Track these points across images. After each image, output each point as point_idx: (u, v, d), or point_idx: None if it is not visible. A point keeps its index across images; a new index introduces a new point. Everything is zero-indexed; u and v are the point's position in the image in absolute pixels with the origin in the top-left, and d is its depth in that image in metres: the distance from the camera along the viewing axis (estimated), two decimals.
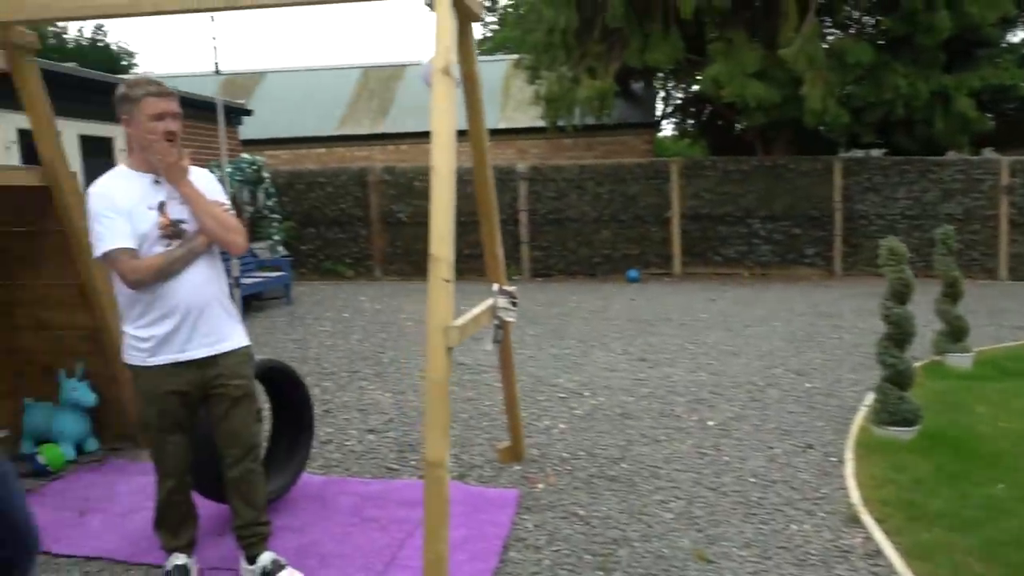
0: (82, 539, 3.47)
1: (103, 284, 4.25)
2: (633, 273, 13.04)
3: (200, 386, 2.95)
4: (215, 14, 3.19)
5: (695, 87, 14.94)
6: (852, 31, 12.04)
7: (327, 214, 13.78)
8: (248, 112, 11.70)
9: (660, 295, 11.36)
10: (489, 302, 3.44)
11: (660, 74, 14.86)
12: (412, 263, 13.90)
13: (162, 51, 53.58)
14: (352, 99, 17.78)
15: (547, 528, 3.62)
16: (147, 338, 2.89)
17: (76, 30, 28.03)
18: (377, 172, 13.84)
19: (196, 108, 10.05)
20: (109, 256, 2.81)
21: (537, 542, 3.48)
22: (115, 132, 8.42)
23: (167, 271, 2.84)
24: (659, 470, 4.34)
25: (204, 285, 2.95)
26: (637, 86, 15.66)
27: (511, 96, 16.93)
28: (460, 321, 2.93)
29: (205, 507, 3.38)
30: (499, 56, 19.75)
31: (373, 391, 6.11)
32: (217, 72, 3.97)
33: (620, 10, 11.29)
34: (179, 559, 3.07)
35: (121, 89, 2.88)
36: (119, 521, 3.65)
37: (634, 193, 13.18)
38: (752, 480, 4.18)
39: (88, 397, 4.43)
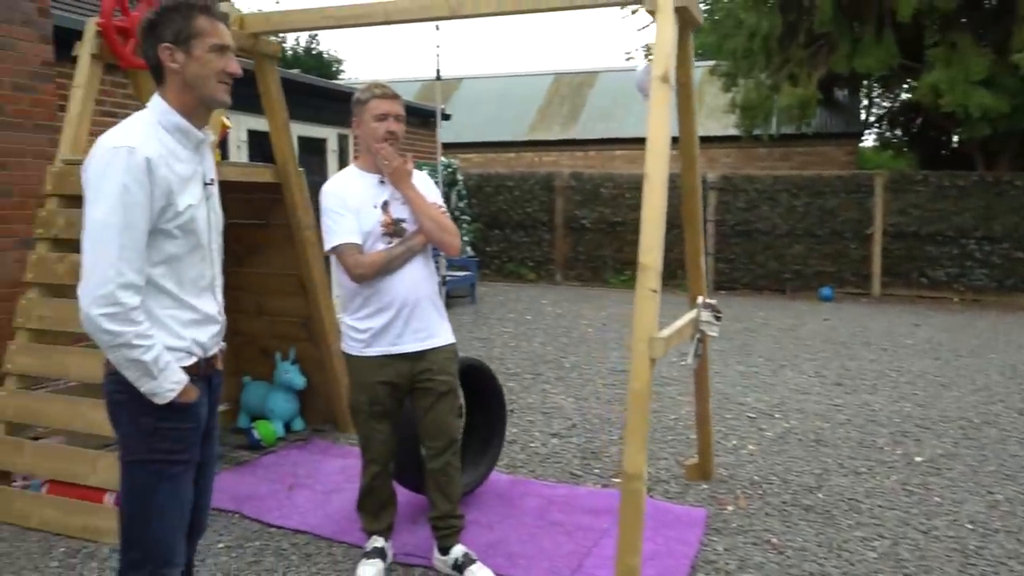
0: (291, 513, 3.73)
1: (319, 275, 4.56)
2: (827, 291, 12.33)
3: (409, 378, 3.08)
4: (441, 23, 3.31)
5: (905, 95, 13.92)
6: None
7: (513, 217, 14.08)
8: (447, 117, 12.20)
9: (857, 316, 10.65)
10: (691, 315, 3.34)
11: (866, 81, 13.94)
12: (592, 269, 13.92)
13: (367, 58, 57.08)
14: (543, 105, 18.09)
15: (738, 553, 3.47)
16: (364, 329, 3.05)
17: (294, 39, 30.48)
18: (564, 177, 13.97)
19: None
20: (337, 250, 3.00)
21: (727, 567, 3.35)
22: (327, 134, 9.05)
23: (387, 267, 2.99)
24: (860, 504, 4.05)
25: (419, 282, 3.08)
26: (841, 94, 14.80)
27: (703, 103, 16.52)
28: (666, 332, 2.86)
29: (402, 495, 3.53)
30: (697, 63, 19.29)
31: (556, 395, 6.15)
32: (438, 78, 4.13)
33: (829, 13, 10.70)
34: (378, 542, 3.22)
35: (355, 94, 3.08)
36: (323, 499, 3.89)
37: (832, 207, 12.46)
38: (969, 526, 3.80)
39: (299, 380, 4.77)
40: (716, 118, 15.89)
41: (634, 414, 2.74)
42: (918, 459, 4.77)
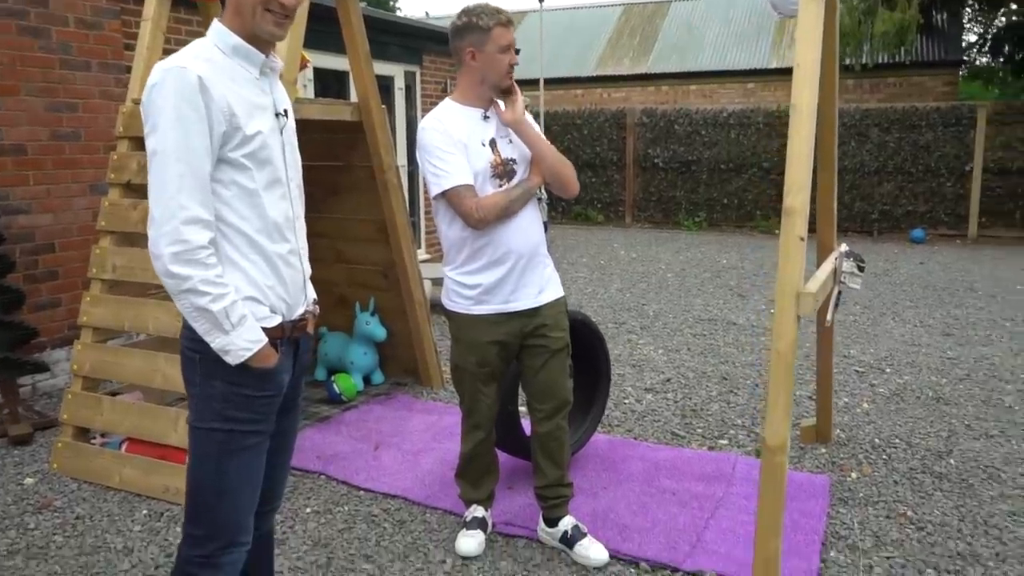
0: (379, 475, 3.53)
1: (401, 220, 4.29)
2: (918, 233, 11.64)
3: (520, 337, 2.81)
4: None
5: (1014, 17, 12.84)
6: None
7: (581, 157, 13.60)
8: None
9: (954, 260, 10.01)
10: (830, 264, 2.96)
11: (971, 3, 12.90)
12: (664, 211, 13.43)
13: None
14: (612, 37, 17.33)
15: (871, 528, 3.15)
16: (473, 286, 2.77)
17: None
18: (635, 114, 13.40)
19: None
20: (450, 193, 2.66)
21: (862, 543, 3.03)
22: (394, 71, 8.71)
23: (508, 210, 2.69)
24: (999, 472, 3.67)
25: (531, 230, 2.79)
26: (938, 17, 13.75)
27: (786, 32, 15.60)
28: (812, 286, 2.50)
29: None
30: None
31: (643, 346, 5.83)
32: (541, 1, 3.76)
33: None
34: (478, 511, 3.00)
35: (463, 19, 2.71)
36: (411, 460, 3.68)
37: (927, 142, 11.67)
38: None
39: (380, 331, 4.55)
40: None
41: (778, 378, 2.41)
42: None
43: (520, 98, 2.79)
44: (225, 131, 1.75)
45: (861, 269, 2.94)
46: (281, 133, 1.92)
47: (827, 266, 2.94)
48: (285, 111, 1.97)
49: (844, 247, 3.05)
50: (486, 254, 2.73)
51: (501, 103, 2.79)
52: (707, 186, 13.07)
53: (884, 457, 3.83)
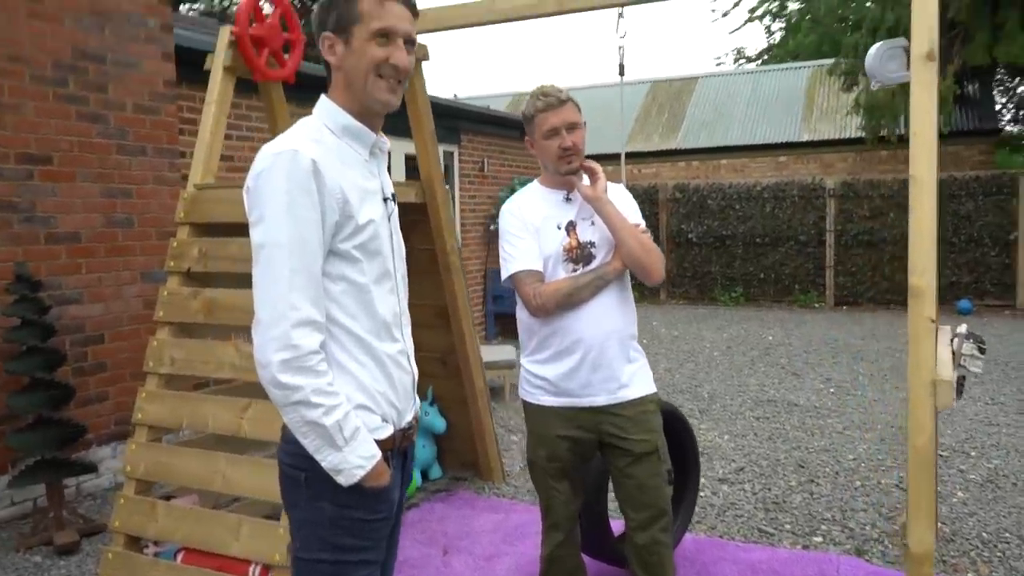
0: None
1: (462, 304, 4.12)
2: (965, 304, 11.35)
3: (596, 434, 2.60)
4: (624, 9, 2.84)
5: None
6: None
7: None
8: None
9: (1009, 331, 9.69)
10: (948, 346, 2.73)
11: (1001, 73, 12.90)
12: (699, 286, 13.25)
13: (452, 72, 57.59)
14: (641, 114, 17.47)
15: None
16: (541, 376, 2.60)
17: None
18: (668, 189, 13.36)
19: (505, 127, 10.22)
20: (515, 278, 2.58)
21: None
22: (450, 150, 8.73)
23: (573, 298, 2.52)
24: None
25: (608, 319, 2.58)
26: (971, 88, 13.75)
27: (815, 106, 15.66)
28: (944, 372, 2.28)
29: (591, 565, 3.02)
30: (800, 63, 18.39)
31: (706, 431, 5.55)
32: (621, 74, 3.64)
33: (967, 0, 9.85)
34: None
35: (523, 108, 2.65)
36: (484, 566, 3.41)
37: (968, 211, 11.50)
38: None
39: (439, 423, 4.33)
40: (829, 120, 15.02)
41: (918, 478, 2.18)
42: None
43: (602, 176, 2.65)
44: (338, 220, 1.59)
45: (983, 351, 2.72)
46: (388, 220, 1.76)
47: (946, 349, 2.71)
48: (393, 195, 1.82)
49: (964, 327, 2.83)
50: (554, 343, 2.57)
51: (585, 178, 2.65)
52: (743, 260, 12.90)
53: (999, 555, 3.51)
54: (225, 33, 3.69)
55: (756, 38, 57.23)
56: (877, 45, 2.79)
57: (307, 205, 1.54)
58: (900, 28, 11.05)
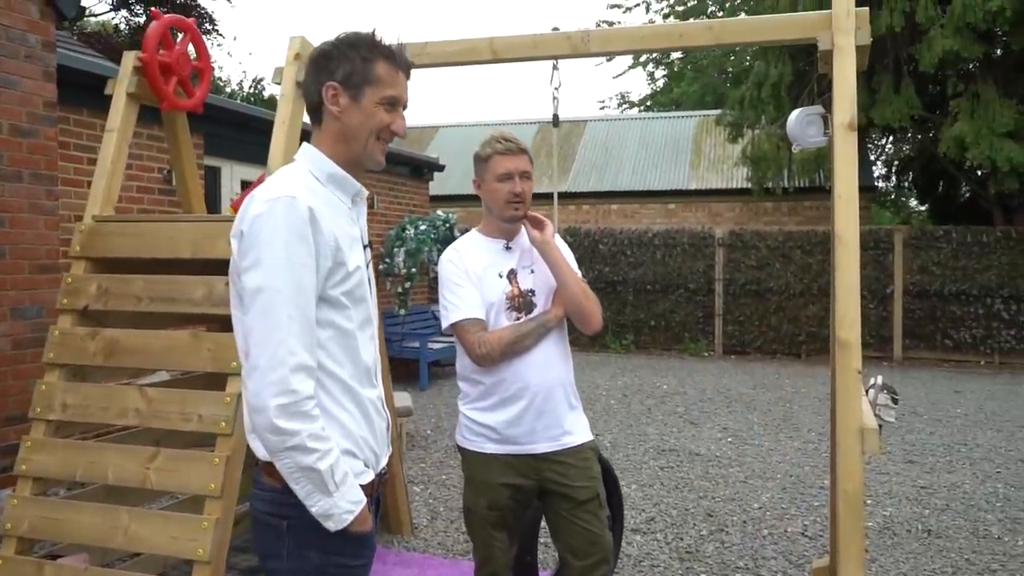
0: None
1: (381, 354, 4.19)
2: None
3: (538, 481, 2.75)
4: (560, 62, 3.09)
5: (907, 147, 14.16)
6: None
7: None
8: (440, 167, 11.97)
9: (888, 383, 10.54)
10: (864, 398, 3.06)
11: (876, 132, 14.20)
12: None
13: None
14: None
15: None
16: (484, 424, 2.74)
17: (237, 82, 30.29)
18: (558, 232, 13.80)
19: (396, 163, 10.36)
20: (458, 326, 2.71)
21: None
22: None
23: (516, 346, 2.68)
24: None
25: (552, 367, 2.76)
26: None
27: (703, 155, 16.65)
28: (874, 423, 2.58)
29: None
30: (687, 112, 19.53)
31: None
32: (556, 124, 3.81)
33: None
34: None
35: (477, 149, 2.82)
36: None
37: None
38: None
39: None
40: (716, 170, 16.00)
41: (848, 525, 2.44)
42: None
43: (550, 225, 2.84)
44: (330, 267, 1.70)
45: (895, 402, 3.06)
46: (367, 267, 1.88)
47: (864, 399, 3.03)
48: (370, 243, 1.94)
49: (880, 379, 3.17)
50: (499, 391, 2.71)
51: (532, 227, 2.82)
52: (634, 307, 13.45)
53: None
54: (130, 59, 3.69)
55: (639, 84, 60.01)
56: (796, 112, 3.15)
57: (304, 252, 1.64)
58: (783, 83, 12.04)
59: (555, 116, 3.27)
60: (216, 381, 3.31)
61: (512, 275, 2.78)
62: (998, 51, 11.32)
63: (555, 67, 3.21)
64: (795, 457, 6.55)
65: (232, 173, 7.87)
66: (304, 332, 1.63)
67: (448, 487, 5.61)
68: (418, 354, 9.63)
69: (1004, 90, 10.79)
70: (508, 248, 2.82)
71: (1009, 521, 5.04)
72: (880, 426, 3.10)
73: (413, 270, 9.91)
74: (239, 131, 7.52)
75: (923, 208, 18.51)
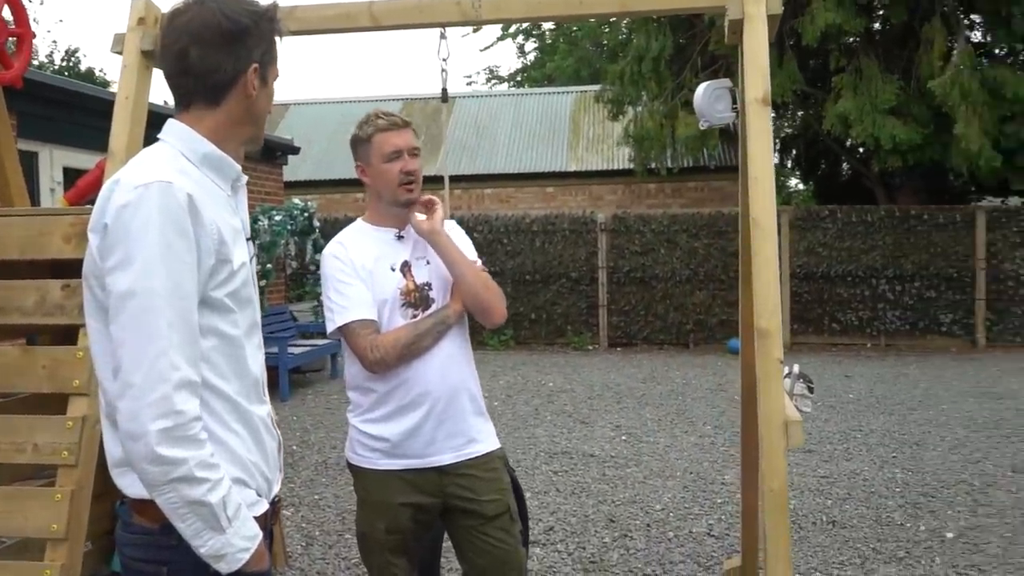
0: None
1: None
2: (735, 343, 12.74)
3: (441, 497, 2.69)
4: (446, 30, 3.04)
5: (792, 124, 14.87)
6: (1008, 61, 11.95)
7: None
8: (295, 150, 11.62)
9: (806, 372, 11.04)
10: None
11: None
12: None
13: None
14: None
15: None
16: (379, 437, 2.65)
17: (46, 54, 28.53)
18: None
19: None
20: (346, 330, 2.61)
21: None
22: None
23: (414, 347, 2.61)
24: None
25: (454, 369, 2.70)
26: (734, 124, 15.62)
27: (581, 134, 16.91)
28: (797, 415, 2.65)
29: None
30: (564, 88, 19.77)
31: None
32: (444, 100, 3.68)
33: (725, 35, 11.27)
34: None
35: (353, 131, 2.72)
36: None
37: (735, 248, 12.95)
38: None
39: None
40: (596, 150, 16.29)
41: (775, 523, 2.50)
42: (949, 535, 4.84)
43: (440, 209, 2.75)
44: (213, 264, 1.58)
45: (811, 391, 3.18)
46: (251, 263, 1.77)
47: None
48: (253, 236, 1.82)
49: (796, 368, 3.27)
50: (395, 398, 2.63)
51: (418, 213, 2.74)
52: (512, 299, 13.51)
53: None
54: None
55: (509, 58, 60.39)
56: (704, 85, 3.20)
57: (183, 248, 1.52)
58: (664, 57, 12.37)
59: (444, 91, 3.20)
60: (53, 403, 3.08)
61: (406, 268, 2.71)
62: (876, 25, 12.04)
63: (442, 35, 3.14)
64: (693, 453, 6.74)
65: (52, 159, 7.37)
66: (187, 342, 1.51)
67: (322, 508, 5.46)
68: (277, 360, 9.35)
69: (886, 66, 11.46)
70: (400, 237, 2.74)
71: (910, 506, 5.35)
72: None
73: (269, 266, 9.62)
74: (60, 110, 7.06)
75: (803, 188, 19.45)
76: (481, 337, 13.52)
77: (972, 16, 12.19)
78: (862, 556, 4.52)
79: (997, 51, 12.34)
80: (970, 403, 8.69)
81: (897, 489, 5.73)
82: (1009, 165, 11.76)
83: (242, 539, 1.55)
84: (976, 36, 12.40)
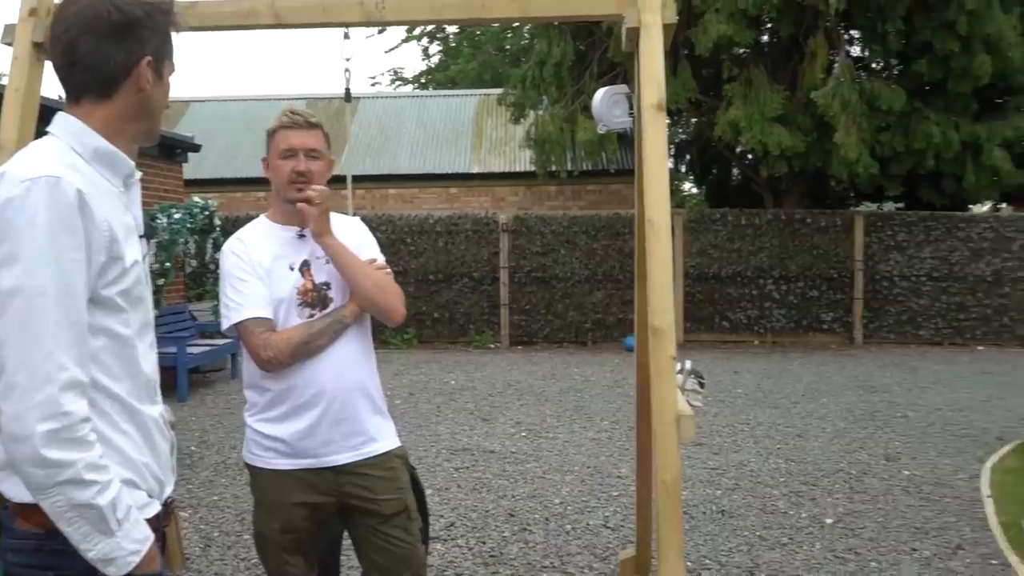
0: None
1: None
2: (631, 340, 12.97)
3: (337, 497, 2.66)
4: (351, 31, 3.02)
5: (683, 131, 15.24)
6: (884, 75, 12.52)
7: None
8: (196, 147, 11.28)
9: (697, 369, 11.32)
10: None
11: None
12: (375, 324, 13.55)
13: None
14: None
15: None
16: (274, 436, 2.62)
17: None
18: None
19: None
20: (240, 327, 2.56)
21: None
22: None
23: (309, 346, 2.57)
24: None
25: (350, 368, 2.67)
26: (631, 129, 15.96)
27: (484, 136, 16.95)
28: (688, 409, 2.72)
29: None
30: (467, 91, 19.78)
31: None
32: (347, 100, 3.59)
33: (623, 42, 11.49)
34: None
35: (268, 125, 2.68)
36: None
37: (631, 249, 13.18)
38: None
39: None
40: (498, 152, 16.34)
41: (668, 515, 2.56)
42: (828, 521, 5.05)
43: (318, 191, 2.61)
44: (104, 262, 1.53)
45: (702, 386, 3.27)
46: (144, 261, 1.72)
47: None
48: (146, 233, 1.77)
49: (688, 364, 3.36)
50: (290, 398, 2.59)
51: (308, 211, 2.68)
52: (415, 299, 13.45)
53: None
54: None
55: (414, 60, 60.00)
56: (602, 91, 3.26)
57: (71, 245, 1.46)
58: (566, 62, 12.52)
59: (347, 91, 3.17)
60: None
61: (305, 267, 2.66)
62: (765, 38, 12.45)
63: (346, 36, 3.11)
64: (590, 448, 6.84)
65: None
66: (75, 341, 1.46)
67: (221, 509, 5.33)
68: (175, 360, 9.08)
69: (773, 76, 11.87)
70: (301, 236, 2.69)
71: (793, 495, 5.56)
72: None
73: (167, 264, 9.33)
74: None
75: (697, 192, 19.97)
76: (384, 336, 13.41)
77: (852, 32, 12.72)
78: (749, 543, 4.67)
79: (874, 65, 12.90)
80: (848, 396, 9.08)
81: (781, 478, 5.94)
82: (885, 173, 12.33)
83: (132, 542, 1.51)
84: (856, 51, 12.93)
